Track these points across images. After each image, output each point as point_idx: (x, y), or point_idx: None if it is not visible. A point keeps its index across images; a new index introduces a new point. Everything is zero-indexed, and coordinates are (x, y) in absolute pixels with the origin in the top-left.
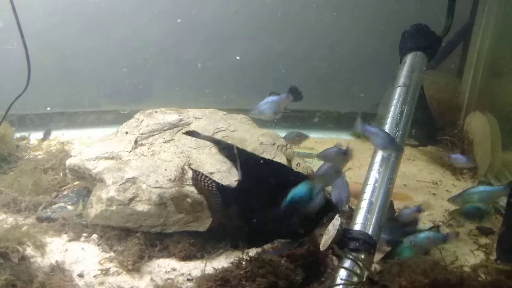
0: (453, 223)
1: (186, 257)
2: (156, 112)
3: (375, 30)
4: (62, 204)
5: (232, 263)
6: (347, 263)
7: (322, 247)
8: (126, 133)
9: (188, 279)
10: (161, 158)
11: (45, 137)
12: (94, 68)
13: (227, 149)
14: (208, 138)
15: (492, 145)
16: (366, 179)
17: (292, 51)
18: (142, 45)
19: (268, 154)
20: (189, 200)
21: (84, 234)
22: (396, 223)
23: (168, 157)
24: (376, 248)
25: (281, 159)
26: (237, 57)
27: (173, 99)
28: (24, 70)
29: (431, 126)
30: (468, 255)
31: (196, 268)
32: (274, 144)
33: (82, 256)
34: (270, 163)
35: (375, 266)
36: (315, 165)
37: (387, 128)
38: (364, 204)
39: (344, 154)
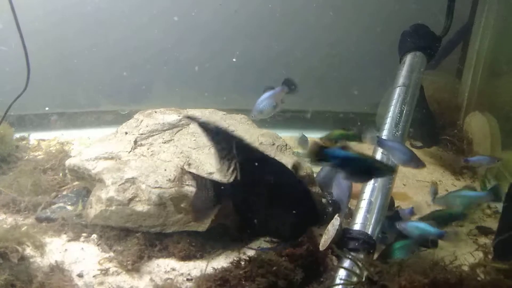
0: (453, 223)
1: (186, 257)
2: (155, 112)
3: (374, 30)
4: (61, 204)
5: (231, 263)
6: (347, 263)
7: (321, 247)
8: (126, 133)
9: (187, 279)
10: (161, 158)
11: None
12: (93, 68)
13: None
14: (204, 126)
15: (492, 145)
16: None
17: (292, 51)
18: (142, 45)
19: (268, 154)
20: (188, 200)
21: (84, 234)
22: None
23: (167, 157)
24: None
25: (281, 159)
26: (234, 59)
27: (173, 99)
28: (23, 70)
29: (433, 127)
30: (467, 255)
31: (195, 268)
32: (273, 144)
33: (81, 256)
34: (269, 161)
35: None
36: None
37: (386, 128)
38: (363, 204)
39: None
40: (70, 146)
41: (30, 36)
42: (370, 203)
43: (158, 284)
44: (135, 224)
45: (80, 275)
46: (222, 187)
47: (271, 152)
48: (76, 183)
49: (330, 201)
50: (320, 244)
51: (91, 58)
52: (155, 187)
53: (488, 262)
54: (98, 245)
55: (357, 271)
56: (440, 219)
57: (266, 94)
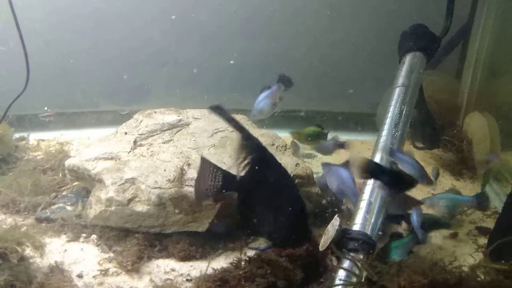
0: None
1: (185, 258)
2: (155, 112)
3: (374, 30)
4: (61, 205)
5: (231, 263)
6: (346, 263)
7: (321, 248)
8: (125, 133)
9: (187, 280)
10: (160, 159)
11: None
12: (93, 68)
13: (248, 140)
14: (232, 123)
15: (491, 145)
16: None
17: (292, 50)
18: (142, 45)
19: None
20: (188, 200)
21: (83, 235)
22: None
23: (167, 157)
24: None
25: (280, 159)
26: (231, 62)
27: (173, 99)
28: (23, 70)
29: (433, 129)
30: (467, 255)
31: (195, 268)
32: (273, 144)
33: (81, 257)
34: (278, 166)
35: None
36: (314, 165)
37: (386, 128)
38: (363, 205)
39: (340, 147)
40: (69, 146)
41: (30, 36)
42: (369, 203)
43: (157, 285)
44: (135, 224)
45: (80, 276)
46: (230, 179)
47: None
48: (76, 183)
49: (330, 202)
50: (320, 245)
51: (91, 58)
52: (155, 188)
53: (488, 262)
54: (97, 246)
55: (357, 272)
56: (427, 224)
57: (264, 94)
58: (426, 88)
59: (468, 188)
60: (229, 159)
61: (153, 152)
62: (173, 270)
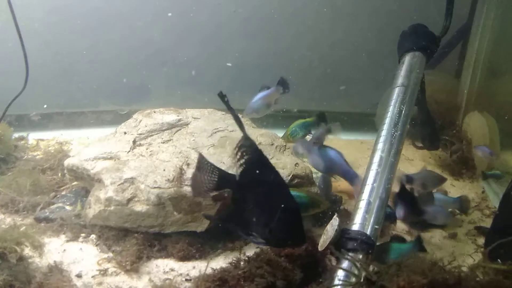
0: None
1: (185, 257)
2: (154, 112)
3: (374, 30)
4: (60, 205)
5: (230, 263)
6: (345, 263)
7: (320, 248)
8: (125, 133)
9: (186, 279)
10: (160, 158)
11: None
12: (92, 68)
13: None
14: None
15: (491, 145)
16: (365, 179)
17: (292, 50)
18: (141, 45)
19: (267, 154)
20: (187, 200)
21: (82, 235)
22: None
23: (166, 157)
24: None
25: (280, 159)
26: (228, 64)
27: (172, 99)
28: (22, 70)
29: (433, 131)
30: (466, 255)
31: (194, 268)
32: (272, 144)
33: (80, 257)
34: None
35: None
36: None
37: (385, 128)
38: (362, 204)
39: (328, 131)
40: (69, 146)
41: (29, 36)
42: (369, 203)
43: (157, 285)
44: (134, 224)
45: (79, 276)
46: (226, 177)
47: (270, 152)
48: (75, 183)
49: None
50: (319, 245)
51: (91, 58)
52: (154, 187)
53: (487, 262)
54: (97, 245)
55: (356, 272)
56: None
57: (261, 94)
58: (426, 88)
59: (468, 188)
60: (228, 159)
61: (152, 152)
62: (172, 270)
